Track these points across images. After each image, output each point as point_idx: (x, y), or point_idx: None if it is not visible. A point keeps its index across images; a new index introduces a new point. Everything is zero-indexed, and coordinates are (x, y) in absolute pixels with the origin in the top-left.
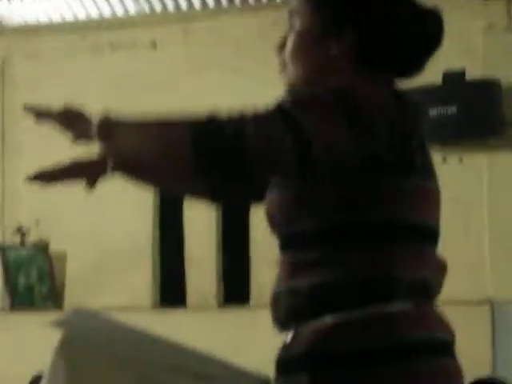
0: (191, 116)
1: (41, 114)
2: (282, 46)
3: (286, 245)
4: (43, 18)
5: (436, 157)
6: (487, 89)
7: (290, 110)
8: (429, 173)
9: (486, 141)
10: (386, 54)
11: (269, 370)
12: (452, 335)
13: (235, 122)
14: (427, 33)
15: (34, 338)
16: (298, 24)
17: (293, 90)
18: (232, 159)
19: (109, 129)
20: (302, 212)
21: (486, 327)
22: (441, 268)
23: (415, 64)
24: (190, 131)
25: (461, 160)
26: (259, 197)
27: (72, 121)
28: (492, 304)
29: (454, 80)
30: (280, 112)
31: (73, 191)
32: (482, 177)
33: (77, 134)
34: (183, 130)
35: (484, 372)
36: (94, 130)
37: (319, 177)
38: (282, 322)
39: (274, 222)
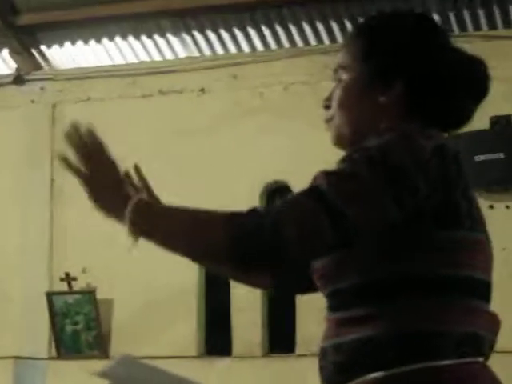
0: (228, 213)
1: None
2: (328, 101)
3: (332, 302)
4: (94, 63)
5: (483, 204)
6: None
7: (324, 190)
8: (476, 223)
9: None
10: (435, 104)
11: None
12: None
13: (272, 214)
14: (474, 81)
15: None
16: (345, 77)
17: (331, 171)
18: (272, 252)
19: (144, 212)
20: (346, 269)
21: None
22: (493, 323)
23: (463, 113)
24: (228, 231)
25: (507, 207)
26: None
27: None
28: None
29: (501, 125)
30: (314, 194)
31: (119, 241)
32: None
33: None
34: (221, 230)
35: None
36: (130, 207)
37: (361, 244)
38: (329, 380)
39: (321, 281)
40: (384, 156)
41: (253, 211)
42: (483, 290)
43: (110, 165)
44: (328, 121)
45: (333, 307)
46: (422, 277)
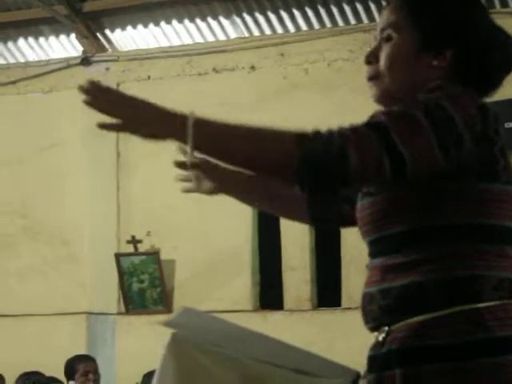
0: (295, 131)
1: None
2: (372, 57)
3: (376, 249)
4: (153, 45)
5: None
6: None
7: (385, 126)
8: (510, 177)
9: None
10: (479, 72)
11: (357, 365)
12: None
13: (338, 141)
14: (508, 55)
15: (148, 338)
16: (395, 37)
17: (388, 108)
18: (336, 178)
19: (203, 121)
20: (391, 217)
21: None
22: None
23: (497, 83)
24: (297, 144)
25: None
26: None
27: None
28: None
29: None
30: (376, 129)
31: (180, 206)
32: None
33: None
34: (291, 142)
35: None
36: (191, 124)
37: (410, 185)
38: (375, 321)
39: (366, 228)
40: (436, 108)
41: (322, 135)
42: None
43: (128, 100)
44: (372, 78)
45: (377, 254)
46: (461, 225)
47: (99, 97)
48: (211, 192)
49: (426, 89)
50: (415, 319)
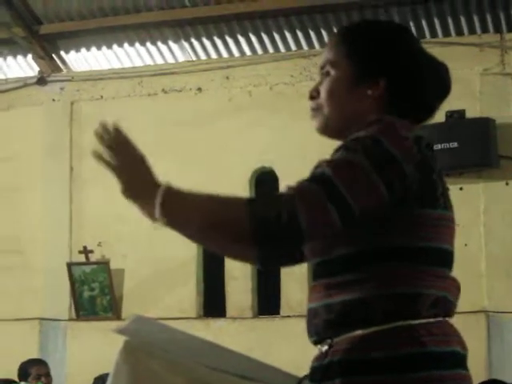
0: (244, 198)
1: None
2: (314, 92)
3: (321, 270)
4: (106, 66)
5: None
6: (484, 126)
7: (329, 178)
8: (447, 201)
9: (482, 172)
10: (409, 100)
11: (293, 370)
12: (465, 349)
13: (286, 205)
14: (441, 81)
15: (97, 343)
16: (333, 72)
17: (329, 159)
18: (290, 242)
19: (169, 195)
20: (336, 241)
21: (482, 334)
22: (456, 288)
23: (431, 108)
24: (247, 213)
25: (461, 188)
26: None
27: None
28: (487, 314)
29: (455, 119)
30: (320, 182)
31: (130, 218)
32: (479, 202)
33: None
34: (241, 210)
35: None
36: (159, 193)
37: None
38: (318, 335)
39: (312, 251)
40: (375, 146)
41: (270, 201)
42: (449, 259)
43: (136, 156)
44: (314, 110)
45: (322, 274)
46: (403, 248)
47: (119, 145)
48: None
49: (366, 122)
50: (356, 333)
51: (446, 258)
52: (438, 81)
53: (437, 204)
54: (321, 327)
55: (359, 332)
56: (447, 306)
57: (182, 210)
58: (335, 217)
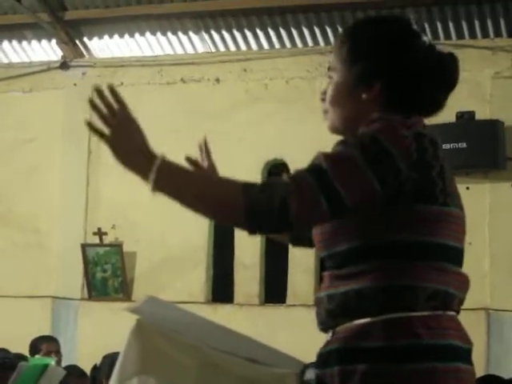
0: (242, 182)
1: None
2: (323, 95)
3: (327, 263)
4: (127, 54)
5: None
6: (493, 128)
7: (324, 170)
8: (451, 199)
9: (489, 172)
10: (409, 97)
11: (297, 356)
12: (468, 343)
13: (280, 192)
14: (445, 73)
15: (107, 323)
16: (334, 78)
17: (325, 153)
18: (279, 225)
19: (163, 172)
20: (338, 237)
21: (482, 331)
22: (463, 282)
23: (436, 101)
24: (242, 196)
25: (468, 188)
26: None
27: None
28: (488, 312)
29: (465, 120)
30: (315, 174)
31: (143, 203)
32: (484, 202)
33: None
34: (237, 193)
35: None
36: (155, 168)
37: (351, 215)
38: (323, 324)
39: (318, 245)
40: (373, 143)
41: (267, 188)
42: (454, 254)
43: (132, 125)
44: (324, 112)
45: (329, 266)
46: (402, 242)
47: (110, 107)
48: None
49: (368, 120)
50: (354, 323)
51: (447, 253)
52: (441, 74)
53: (435, 200)
54: (324, 317)
55: (356, 322)
56: (448, 300)
57: (175, 188)
58: (325, 208)
